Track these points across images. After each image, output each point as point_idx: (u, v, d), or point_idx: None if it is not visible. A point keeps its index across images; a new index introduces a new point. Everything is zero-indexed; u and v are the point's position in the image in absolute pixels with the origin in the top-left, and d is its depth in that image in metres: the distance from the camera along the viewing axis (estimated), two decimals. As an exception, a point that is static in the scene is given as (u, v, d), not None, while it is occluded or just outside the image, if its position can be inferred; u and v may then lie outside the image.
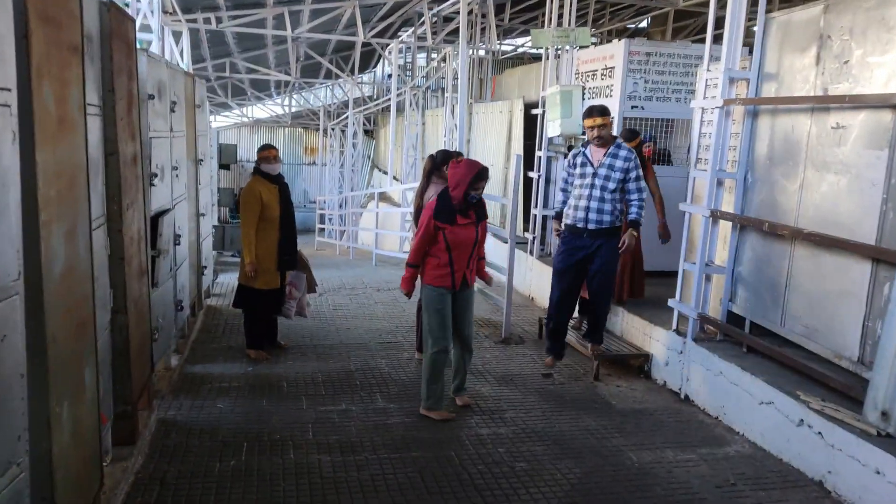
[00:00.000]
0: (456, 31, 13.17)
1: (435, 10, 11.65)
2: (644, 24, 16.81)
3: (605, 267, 4.73)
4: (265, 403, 4.32)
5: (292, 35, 10.45)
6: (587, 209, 4.66)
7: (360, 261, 11.97)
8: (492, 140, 8.72)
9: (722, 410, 4.28)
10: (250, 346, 5.28)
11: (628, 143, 4.96)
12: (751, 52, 4.47)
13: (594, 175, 4.65)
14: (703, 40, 5.08)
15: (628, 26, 16.53)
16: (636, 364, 5.16)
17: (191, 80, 6.01)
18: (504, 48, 15.32)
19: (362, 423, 4.07)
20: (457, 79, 10.70)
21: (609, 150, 4.64)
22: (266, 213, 5.07)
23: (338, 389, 4.64)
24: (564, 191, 4.94)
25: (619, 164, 4.61)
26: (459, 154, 5.24)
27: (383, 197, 13.14)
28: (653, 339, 5.09)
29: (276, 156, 5.24)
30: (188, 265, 5.48)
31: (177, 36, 10.41)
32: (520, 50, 19.02)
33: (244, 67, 14.92)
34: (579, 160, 4.77)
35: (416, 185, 11.50)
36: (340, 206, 18.78)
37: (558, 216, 5.00)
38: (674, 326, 4.86)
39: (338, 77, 16.52)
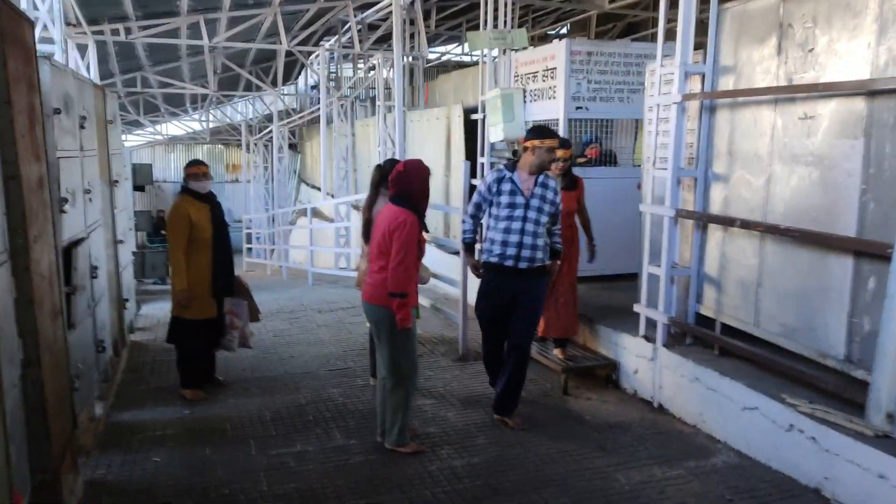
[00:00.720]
0: (382, 39, 12.88)
1: (359, 17, 11.30)
2: (564, 30, 16.98)
3: (534, 312, 4.18)
4: (208, 452, 3.86)
5: (209, 44, 9.88)
6: (519, 245, 3.99)
7: (295, 280, 11.44)
8: (430, 148, 8.46)
9: (700, 418, 4.13)
10: (186, 386, 4.78)
11: (563, 153, 4.59)
12: (697, 47, 4.38)
13: (526, 206, 3.98)
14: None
15: (549, 33, 16.65)
16: (603, 374, 4.97)
17: (101, 92, 5.46)
18: (430, 55, 15.11)
19: (321, 465, 3.68)
20: (389, 87, 10.40)
21: (539, 179, 4.05)
22: (196, 234, 4.61)
23: (289, 428, 4.22)
24: (475, 217, 4.23)
25: (549, 195, 4.06)
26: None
27: (315, 212, 12.65)
28: (619, 346, 4.91)
29: (205, 172, 4.80)
30: (108, 299, 4.93)
31: (82, 50, 9.66)
32: (444, 57, 18.92)
33: (157, 82, 14.10)
34: (507, 187, 4.00)
35: (350, 198, 11.08)
36: (268, 224, 18.08)
37: (470, 248, 4.37)
38: (641, 332, 4.70)
39: (259, 89, 15.88)
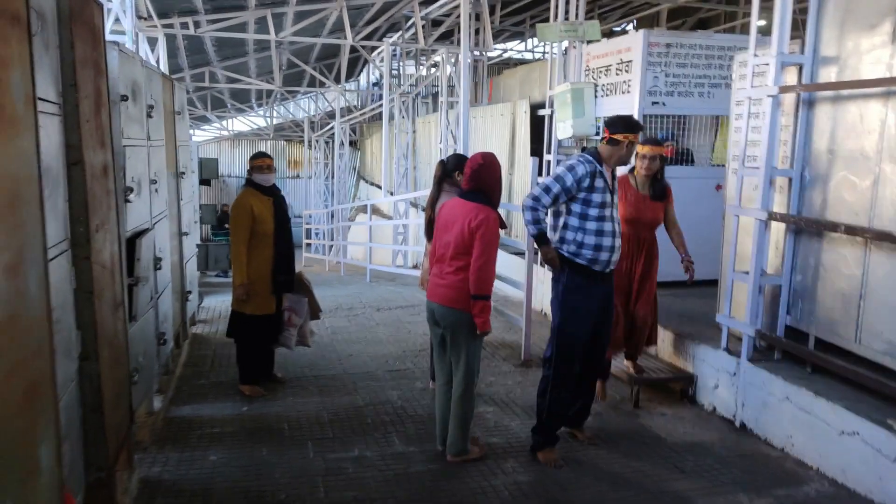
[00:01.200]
0: (445, 36, 12.73)
1: (423, 13, 11.17)
2: (630, 26, 16.46)
3: (611, 319, 3.86)
4: (265, 453, 3.75)
5: (276, 39, 9.92)
6: (612, 249, 3.58)
7: (353, 277, 11.42)
8: (493, 145, 8.24)
9: (789, 441, 3.78)
10: (244, 382, 4.71)
11: (652, 150, 4.23)
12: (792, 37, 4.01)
13: (613, 205, 3.62)
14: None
15: (614, 29, 16.17)
16: (678, 388, 4.66)
17: (169, 83, 5.46)
18: (491, 52, 14.87)
19: (381, 473, 3.52)
20: (452, 83, 10.23)
21: (614, 174, 3.71)
22: (259, 227, 4.52)
23: (347, 430, 4.08)
24: (546, 207, 3.56)
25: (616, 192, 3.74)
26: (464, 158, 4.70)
27: (374, 209, 12.61)
28: (697, 358, 4.59)
29: (270, 165, 4.70)
30: (171, 291, 4.91)
31: (152, 43, 9.84)
32: (507, 54, 18.65)
33: (224, 77, 14.33)
34: (600, 183, 3.51)
35: (410, 195, 10.98)
36: (327, 220, 18.22)
37: (544, 237, 3.57)
38: (723, 345, 4.37)
39: (322, 85, 15.98)
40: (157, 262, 4.27)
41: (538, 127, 7.51)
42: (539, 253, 3.64)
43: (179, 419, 4.24)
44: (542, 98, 7.69)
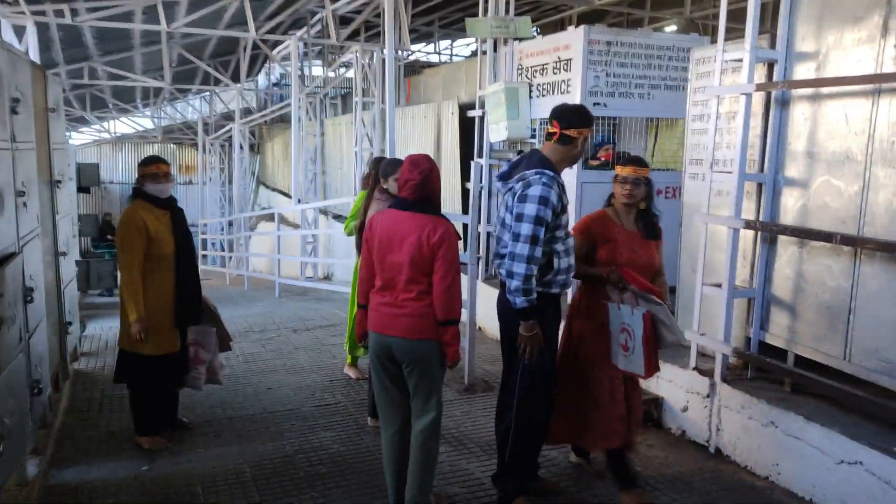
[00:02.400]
0: (353, 35, 12.08)
1: (330, 9, 10.46)
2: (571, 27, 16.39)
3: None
4: (177, 530, 3.03)
5: (167, 30, 8.92)
6: (570, 270, 3.13)
7: (259, 291, 10.53)
8: (416, 148, 7.72)
9: (775, 469, 3.48)
10: (142, 433, 3.92)
11: (634, 172, 3.28)
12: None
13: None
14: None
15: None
16: (644, 410, 4.29)
17: (41, 73, 4.56)
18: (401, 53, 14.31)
19: (327, 547, 2.89)
20: (367, 81, 9.61)
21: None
22: (155, 249, 3.77)
23: (276, 489, 3.41)
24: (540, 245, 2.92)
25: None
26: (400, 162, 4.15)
27: (281, 218, 11.74)
28: (662, 378, 4.24)
29: (166, 172, 3.94)
30: (47, 325, 4.03)
31: (19, 32, 8.60)
32: (412, 57, 18.18)
33: (106, 73, 12.96)
34: (564, 199, 3.03)
35: (321, 203, 10.25)
36: (224, 230, 17.03)
37: (531, 313, 2.98)
38: (692, 364, 4.05)
39: (218, 83, 14.85)
40: (29, 293, 3.42)
41: (467, 129, 7.06)
42: (522, 327, 2.97)
43: (62, 488, 3.42)
44: (470, 99, 7.24)
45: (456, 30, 16.05)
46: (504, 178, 3.12)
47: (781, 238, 3.71)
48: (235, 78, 14.32)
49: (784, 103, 3.67)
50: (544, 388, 3.15)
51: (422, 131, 7.69)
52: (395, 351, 2.98)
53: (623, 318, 3.16)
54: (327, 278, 11.89)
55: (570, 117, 3.05)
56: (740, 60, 3.75)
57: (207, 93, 18.88)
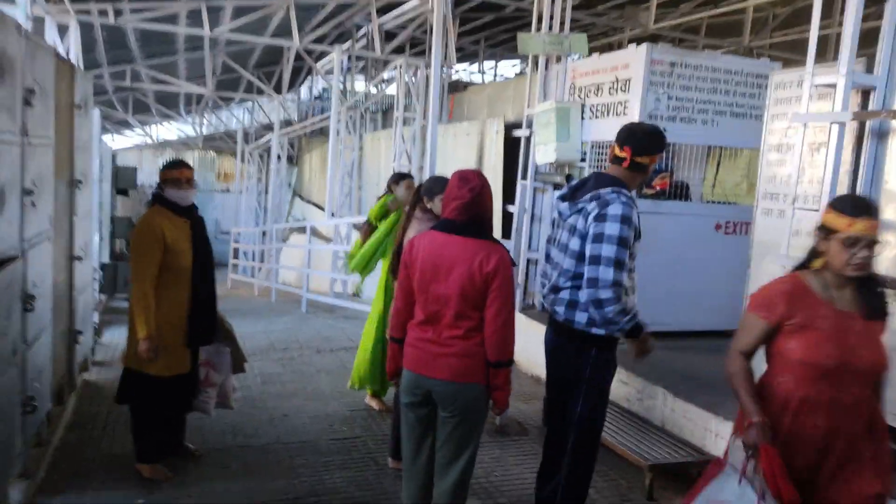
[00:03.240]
0: (398, 50, 11.88)
1: (378, 21, 10.27)
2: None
3: None
4: (166, 584, 2.67)
5: (210, 36, 8.80)
6: (635, 313, 2.82)
7: (285, 305, 10.25)
8: (456, 167, 7.37)
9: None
10: (143, 460, 3.59)
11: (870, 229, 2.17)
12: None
13: None
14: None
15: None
16: (698, 472, 3.82)
17: (68, 68, 4.34)
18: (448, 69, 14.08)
19: None
20: (409, 96, 9.36)
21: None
22: (172, 260, 3.46)
23: (284, 539, 3.04)
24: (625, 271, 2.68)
25: None
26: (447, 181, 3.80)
27: (313, 231, 11.52)
28: (721, 437, 3.77)
29: (189, 178, 3.64)
30: (51, 335, 3.75)
31: (62, 31, 8.55)
32: (456, 76, 17.98)
33: (149, 77, 12.98)
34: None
35: (352, 219, 9.96)
36: (259, 240, 16.90)
37: (640, 327, 2.72)
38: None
39: (260, 93, 14.81)
40: (29, 301, 3.14)
41: (512, 149, 6.70)
42: (635, 346, 2.76)
43: (46, 520, 3.09)
44: (517, 118, 6.90)
45: (503, 49, 15.82)
46: (567, 198, 2.77)
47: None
48: (278, 89, 14.27)
49: (881, 135, 3.23)
50: (597, 446, 2.76)
51: (463, 149, 7.36)
52: (436, 395, 2.61)
53: (728, 496, 2.22)
54: (356, 295, 11.58)
55: (644, 142, 2.74)
56: (830, 86, 3.33)
57: (249, 102, 18.91)
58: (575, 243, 2.70)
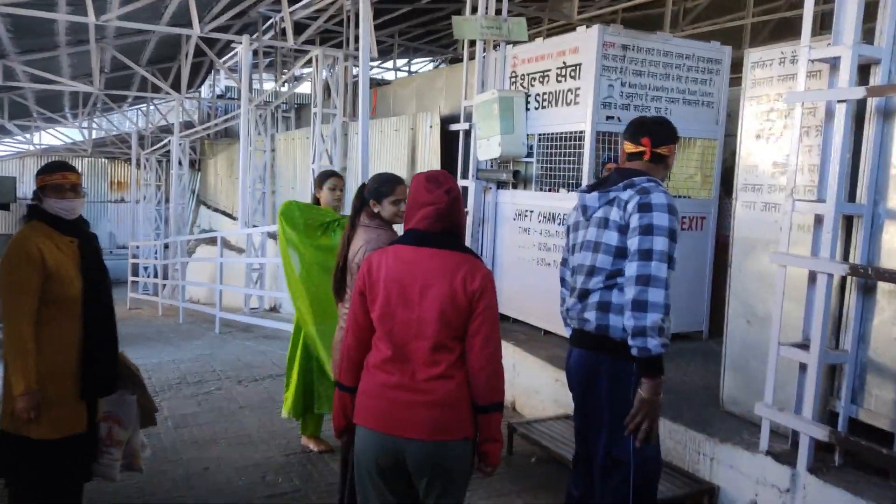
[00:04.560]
0: (312, 42, 11.12)
1: (283, 13, 9.50)
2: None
3: None
4: None
5: (95, 23, 7.79)
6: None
7: (195, 326, 9.34)
8: (386, 166, 6.81)
9: None
10: (24, 549, 2.81)
11: None
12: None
13: None
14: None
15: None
16: (690, 502, 3.43)
17: None
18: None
19: None
20: (329, 90, 8.68)
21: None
22: (56, 290, 2.74)
23: None
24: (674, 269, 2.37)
25: None
26: (398, 180, 3.24)
27: (224, 242, 10.59)
28: (719, 463, 3.39)
29: (75, 184, 2.90)
30: None
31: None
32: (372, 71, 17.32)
33: (27, 75, 11.61)
34: None
35: (267, 228, 9.19)
36: (158, 253, 15.66)
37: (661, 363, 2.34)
38: (763, 446, 3.20)
39: (157, 91, 13.63)
40: None
41: (449, 145, 6.20)
42: (648, 389, 2.28)
43: None
44: (451, 111, 6.42)
45: (421, 45, 15.37)
46: (592, 189, 2.46)
47: (883, 288, 2.93)
48: (176, 87, 13.16)
49: (886, 115, 2.92)
50: (655, 495, 2.43)
51: (393, 147, 6.80)
52: (411, 460, 2.05)
53: None
54: (274, 310, 10.78)
55: (660, 131, 2.48)
56: (828, 60, 3.00)
57: (144, 103, 17.55)
58: (612, 237, 2.34)
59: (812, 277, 3.13)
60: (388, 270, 2.11)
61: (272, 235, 10.96)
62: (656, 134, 2.47)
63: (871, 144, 2.94)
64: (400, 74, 17.08)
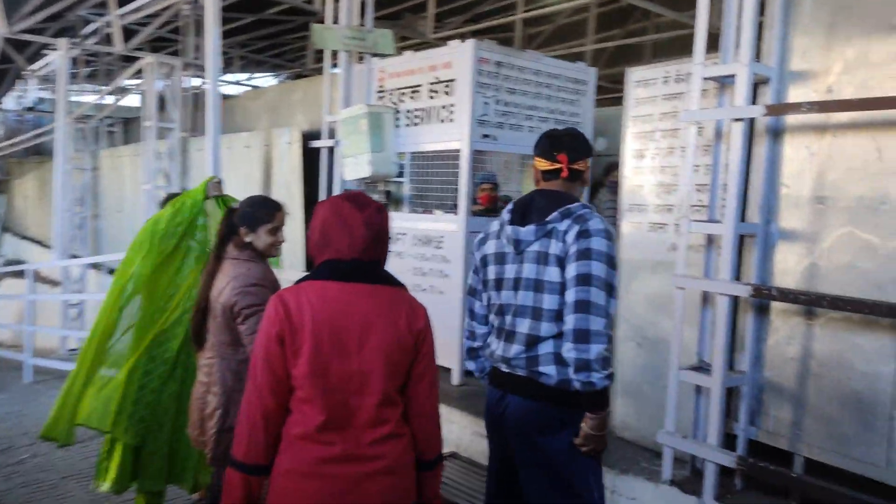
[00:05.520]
0: (141, 49, 10.13)
1: (111, 17, 8.54)
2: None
3: None
4: None
5: None
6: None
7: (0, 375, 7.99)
8: (236, 187, 6.20)
9: None
10: None
11: None
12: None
13: None
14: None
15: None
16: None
17: None
18: (195, 81, 12.33)
19: None
20: (165, 100, 7.87)
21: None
22: None
23: None
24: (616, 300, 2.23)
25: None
26: (277, 205, 2.82)
27: (36, 276, 9.24)
28: (619, 495, 3.26)
29: None
30: None
31: None
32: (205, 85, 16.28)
33: None
34: None
35: (88, 260, 8.16)
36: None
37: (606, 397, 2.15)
38: (667, 476, 3.11)
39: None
40: None
41: (310, 163, 5.77)
42: (591, 424, 2.13)
43: None
44: (310, 126, 6.01)
45: (266, 57, 14.71)
46: (517, 222, 2.22)
47: (776, 308, 2.96)
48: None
49: (776, 135, 2.97)
50: None
51: (243, 164, 6.22)
52: None
53: None
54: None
55: (577, 147, 2.29)
56: (720, 79, 3.01)
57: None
58: (553, 273, 2.11)
59: (706, 298, 3.12)
60: (315, 313, 1.73)
61: (96, 265, 9.78)
62: (572, 149, 2.28)
63: (762, 163, 2.98)
64: (240, 89, 16.23)
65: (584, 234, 2.07)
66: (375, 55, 5.29)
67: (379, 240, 1.81)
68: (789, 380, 2.93)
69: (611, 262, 2.08)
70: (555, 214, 2.14)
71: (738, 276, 3.02)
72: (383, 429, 1.72)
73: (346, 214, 1.79)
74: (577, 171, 2.27)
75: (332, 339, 1.71)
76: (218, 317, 2.61)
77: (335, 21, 5.33)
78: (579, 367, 2.01)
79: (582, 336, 2.00)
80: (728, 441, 3.05)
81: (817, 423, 2.84)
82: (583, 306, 2.01)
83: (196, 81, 8.85)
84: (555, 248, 2.10)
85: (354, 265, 1.78)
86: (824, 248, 2.81)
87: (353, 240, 1.78)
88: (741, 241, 3.04)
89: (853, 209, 2.72)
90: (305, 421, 1.72)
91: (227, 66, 15.32)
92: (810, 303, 2.67)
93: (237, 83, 16.46)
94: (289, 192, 5.63)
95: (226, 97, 10.95)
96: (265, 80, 17.71)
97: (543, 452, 2.15)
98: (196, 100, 8.51)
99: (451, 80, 4.66)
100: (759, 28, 2.95)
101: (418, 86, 4.91)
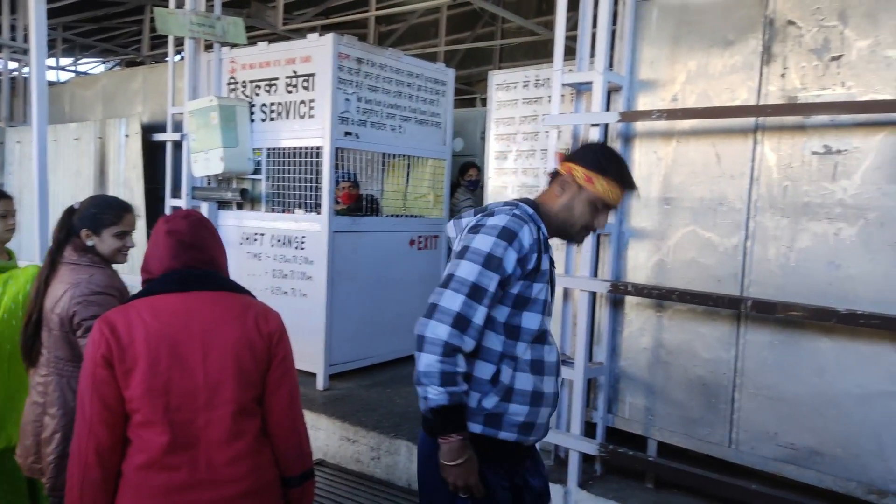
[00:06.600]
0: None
1: None
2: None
3: None
4: None
5: None
6: (555, 399, 1.96)
7: None
8: (61, 184, 5.65)
9: None
10: None
11: None
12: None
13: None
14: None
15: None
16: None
17: None
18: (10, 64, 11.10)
19: None
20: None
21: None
22: None
23: None
24: (466, 346, 1.74)
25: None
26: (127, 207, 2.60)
27: None
28: (490, 490, 3.35)
29: None
30: None
31: None
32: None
33: None
34: (545, 263, 1.90)
35: None
36: None
37: (459, 419, 1.75)
38: (534, 468, 3.24)
39: None
40: None
41: (153, 158, 5.39)
42: (445, 457, 1.72)
43: None
44: (150, 118, 5.63)
45: (94, 41, 13.59)
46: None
47: (630, 301, 3.19)
48: None
49: (626, 139, 3.19)
50: None
51: (73, 159, 5.67)
52: None
53: None
54: None
55: (592, 155, 2.00)
56: (577, 85, 3.18)
57: None
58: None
59: (566, 294, 3.29)
60: (149, 329, 1.59)
61: None
62: (581, 155, 1.98)
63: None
64: (65, 75, 14.84)
65: (474, 230, 1.82)
66: (225, 44, 5.05)
67: (191, 246, 1.72)
68: (642, 368, 3.16)
69: (489, 262, 1.74)
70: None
71: (595, 272, 3.22)
72: (239, 444, 1.61)
73: (155, 231, 1.76)
74: (581, 184, 1.91)
75: (171, 352, 1.60)
76: (54, 329, 2.36)
77: (180, 5, 5.03)
78: (415, 381, 1.72)
79: (418, 344, 1.70)
80: (587, 429, 3.24)
81: (668, 407, 3.09)
82: (428, 310, 1.72)
83: (13, 64, 7.97)
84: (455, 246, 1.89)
85: (185, 274, 1.69)
86: (671, 245, 3.06)
87: (159, 250, 1.73)
88: (598, 240, 3.24)
89: (695, 209, 2.99)
90: (147, 447, 1.57)
91: (50, 50, 13.98)
92: (661, 297, 2.90)
93: (61, 68, 15.05)
94: (128, 189, 5.22)
95: (51, 84, 9.98)
96: (93, 66, 16.35)
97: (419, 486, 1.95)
98: (13, 84, 7.67)
99: (311, 75, 4.55)
100: (612, 38, 3.16)
101: (275, 79, 4.75)
